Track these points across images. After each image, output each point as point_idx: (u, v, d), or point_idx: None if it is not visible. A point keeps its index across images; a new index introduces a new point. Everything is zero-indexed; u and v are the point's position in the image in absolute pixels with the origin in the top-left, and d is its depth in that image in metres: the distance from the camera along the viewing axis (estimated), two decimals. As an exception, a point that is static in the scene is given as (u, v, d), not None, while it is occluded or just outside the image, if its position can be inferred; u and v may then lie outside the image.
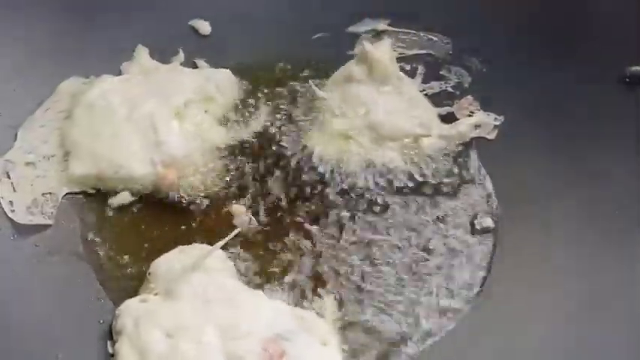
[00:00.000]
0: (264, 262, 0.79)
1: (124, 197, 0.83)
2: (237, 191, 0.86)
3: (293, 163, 0.88)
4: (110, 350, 0.70)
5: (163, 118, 0.87)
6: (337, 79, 0.94)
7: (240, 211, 0.83)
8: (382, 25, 1.02)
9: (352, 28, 1.02)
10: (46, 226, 0.80)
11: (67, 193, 0.83)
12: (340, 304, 0.76)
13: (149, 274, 0.74)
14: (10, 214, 0.79)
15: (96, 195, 0.84)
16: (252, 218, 0.83)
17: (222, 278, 0.72)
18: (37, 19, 0.93)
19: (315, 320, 0.71)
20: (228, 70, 0.95)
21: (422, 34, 1.02)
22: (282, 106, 0.94)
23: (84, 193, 0.84)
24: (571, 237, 0.81)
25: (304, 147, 0.89)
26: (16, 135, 0.86)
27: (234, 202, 0.84)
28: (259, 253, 0.80)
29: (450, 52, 1.00)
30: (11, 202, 0.80)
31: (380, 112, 0.89)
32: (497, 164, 0.89)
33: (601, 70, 0.88)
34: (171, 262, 0.74)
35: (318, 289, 0.77)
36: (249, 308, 0.69)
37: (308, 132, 0.91)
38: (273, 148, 0.90)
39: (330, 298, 0.75)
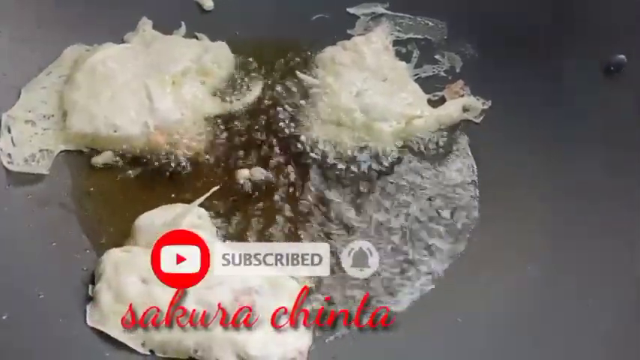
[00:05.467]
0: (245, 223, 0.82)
1: (107, 156, 0.86)
2: (224, 158, 0.88)
3: (282, 138, 0.90)
4: (90, 293, 0.73)
5: (159, 85, 0.90)
6: (324, 61, 0.96)
7: (244, 175, 0.86)
8: (380, 9, 1.05)
9: (352, 10, 1.05)
10: (39, 179, 0.83)
11: (62, 151, 0.86)
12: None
13: (133, 228, 0.77)
14: (7, 165, 0.82)
15: (89, 154, 0.87)
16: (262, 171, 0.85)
17: (200, 234, 0.74)
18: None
19: (287, 280, 0.73)
20: (224, 43, 0.98)
21: (419, 19, 1.04)
22: (276, 83, 0.96)
23: (78, 152, 0.87)
24: (547, 224, 0.82)
25: (295, 125, 0.91)
26: (19, 94, 0.89)
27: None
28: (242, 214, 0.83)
29: (445, 37, 1.02)
30: (9, 155, 0.83)
31: (369, 94, 0.91)
32: (483, 147, 0.91)
33: (587, 59, 0.89)
34: (153, 218, 0.77)
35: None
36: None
37: (300, 110, 0.93)
38: (263, 122, 0.92)
39: None
